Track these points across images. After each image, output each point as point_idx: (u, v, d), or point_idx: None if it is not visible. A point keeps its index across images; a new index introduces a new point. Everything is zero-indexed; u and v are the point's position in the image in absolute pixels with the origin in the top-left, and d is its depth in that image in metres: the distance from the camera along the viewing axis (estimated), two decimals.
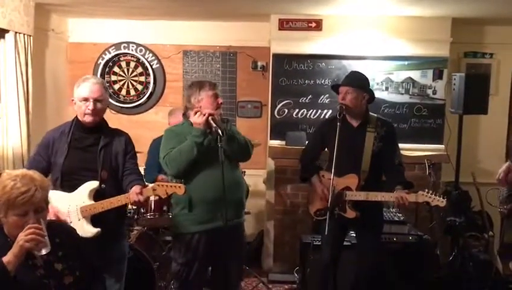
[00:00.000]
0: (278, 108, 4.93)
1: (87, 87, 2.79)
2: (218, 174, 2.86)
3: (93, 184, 2.76)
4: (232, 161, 3.07)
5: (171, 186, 2.78)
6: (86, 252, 2.21)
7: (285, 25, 4.83)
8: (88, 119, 2.80)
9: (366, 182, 3.27)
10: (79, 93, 2.80)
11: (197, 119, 2.98)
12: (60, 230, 2.15)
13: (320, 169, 3.48)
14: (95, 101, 2.78)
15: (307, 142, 4.16)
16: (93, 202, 2.75)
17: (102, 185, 2.77)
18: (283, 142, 4.87)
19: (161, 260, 3.95)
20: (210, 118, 2.94)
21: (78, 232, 2.36)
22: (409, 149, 4.74)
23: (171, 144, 3.03)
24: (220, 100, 3.07)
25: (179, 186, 2.78)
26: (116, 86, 5.42)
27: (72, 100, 2.85)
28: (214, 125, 2.91)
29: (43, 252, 1.94)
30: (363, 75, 3.46)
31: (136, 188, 2.75)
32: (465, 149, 4.34)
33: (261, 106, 5.34)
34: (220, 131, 2.87)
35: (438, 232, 4.53)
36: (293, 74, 4.89)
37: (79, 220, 2.73)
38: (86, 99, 2.77)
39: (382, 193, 3.25)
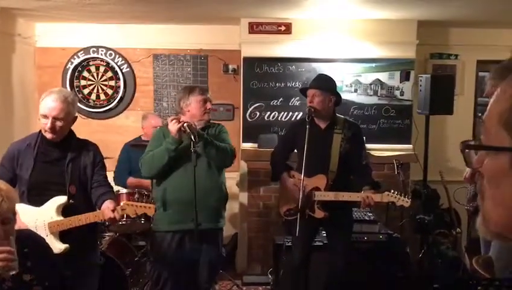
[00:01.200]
0: (249, 111, 4.96)
1: (47, 104, 2.68)
2: (192, 177, 2.92)
3: (61, 199, 2.70)
4: (212, 166, 3.12)
5: (140, 206, 2.76)
6: (55, 262, 2.19)
7: (255, 28, 4.86)
8: (48, 136, 2.71)
9: (334, 182, 3.33)
10: (40, 108, 2.70)
11: (171, 126, 3.03)
12: (28, 240, 2.11)
13: (291, 169, 3.53)
14: (54, 119, 2.67)
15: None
16: (61, 217, 2.69)
17: (71, 201, 2.72)
18: (255, 145, 4.90)
19: (134, 266, 3.92)
20: (185, 124, 2.99)
21: None
22: (378, 149, 4.84)
23: (152, 146, 3.15)
24: (209, 106, 3.17)
25: (149, 207, 2.76)
26: (86, 91, 5.35)
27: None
28: (188, 131, 2.97)
29: (11, 273, 1.91)
30: (330, 78, 3.53)
31: (109, 205, 2.69)
32: (432, 148, 4.44)
33: (233, 109, 5.35)
34: (192, 136, 2.93)
35: (408, 231, 4.64)
36: (263, 76, 4.93)
37: (47, 235, 2.65)
38: (44, 117, 2.68)
39: (349, 193, 3.31)
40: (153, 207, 2.77)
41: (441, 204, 4.94)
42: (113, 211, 2.65)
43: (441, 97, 4.23)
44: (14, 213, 2.02)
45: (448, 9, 4.36)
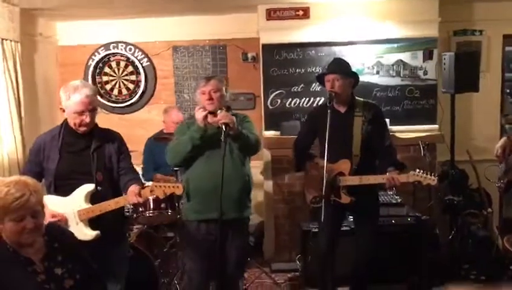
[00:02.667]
0: (270, 98, 4.93)
1: (81, 100, 2.72)
2: (217, 166, 2.91)
3: (89, 187, 2.76)
4: (234, 156, 3.07)
5: (169, 186, 2.77)
6: (85, 255, 2.23)
7: (272, 14, 4.81)
8: (82, 130, 2.78)
9: (359, 166, 3.29)
10: (72, 106, 2.73)
11: (197, 115, 3.04)
12: (58, 234, 2.17)
13: (314, 156, 3.50)
14: (90, 112, 2.76)
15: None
16: (90, 205, 2.75)
17: (99, 188, 2.77)
18: (278, 133, 4.88)
19: (163, 256, 3.98)
20: (219, 111, 2.98)
21: (76, 235, 2.37)
22: (403, 131, 4.77)
23: (177, 135, 3.16)
24: (207, 97, 3.06)
25: (177, 186, 2.78)
26: (108, 86, 5.41)
27: (61, 108, 2.81)
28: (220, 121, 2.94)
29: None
30: (345, 61, 3.50)
31: (134, 189, 2.76)
32: (459, 128, 4.36)
33: (254, 98, 5.34)
34: (224, 127, 2.89)
35: (437, 212, 4.57)
36: (283, 63, 4.89)
37: (77, 224, 2.74)
38: (81, 113, 2.74)
39: (374, 175, 3.26)
40: (181, 186, 2.77)
41: (470, 184, 4.84)
42: (138, 195, 2.72)
43: (465, 75, 4.13)
44: (43, 206, 2.09)
45: None
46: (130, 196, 2.74)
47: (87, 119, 2.75)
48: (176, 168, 3.82)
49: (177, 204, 3.79)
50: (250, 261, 4.44)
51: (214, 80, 3.12)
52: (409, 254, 4.01)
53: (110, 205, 2.75)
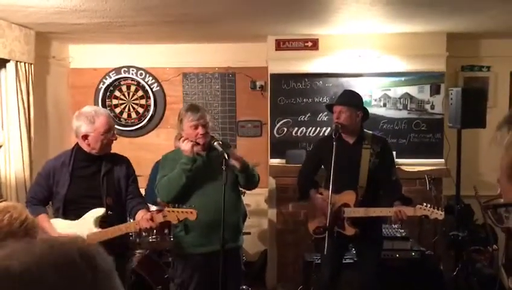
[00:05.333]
0: (277, 127, 4.97)
1: (107, 120, 2.85)
2: (216, 197, 2.90)
3: (99, 211, 2.79)
4: (232, 185, 3.07)
5: (182, 211, 2.77)
6: None
7: (281, 45, 4.89)
8: (108, 149, 2.89)
9: (364, 197, 3.28)
10: (100, 127, 2.81)
11: (184, 146, 2.97)
12: None
13: (319, 186, 3.50)
14: (114, 128, 2.90)
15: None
16: (99, 229, 2.77)
17: (109, 212, 2.80)
18: (283, 161, 4.90)
19: (163, 282, 3.95)
20: (215, 143, 2.96)
21: None
22: (409, 164, 4.76)
23: (164, 172, 3.07)
24: (201, 131, 2.96)
25: (191, 212, 2.76)
26: (118, 110, 5.48)
27: (84, 136, 2.81)
28: (220, 149, 2.92)
29: None
30: (357, 93, 3.51)
31: (145, 215, 2.78)
32: (465, 163, 4.34)
33: (260, 125, 5.38)
34: (225, 155, 2.88)
35: (441, 248, 4.51)
36: (291, 92, 4.93)
37: None
38: (108, 131, 2.84)
39: (380, 208, 3.25)
40: (194, 212, 2.76)
41: (476, 220, 4.80)
42: (149, 220, 2.74)
43: (472, 110, 4.13)
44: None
45: (478, 21, 4.29)
46: (142, 221, 2.75)
47: (114, 137, 2.88)
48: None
49: (170, 234, 3.75)
50: None
51: (202, 112, 3.00)
52: (413, 288, 3.95)
53: (121, 229, 2.78)
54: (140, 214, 2.83)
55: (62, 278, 0.70)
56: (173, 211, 2.77)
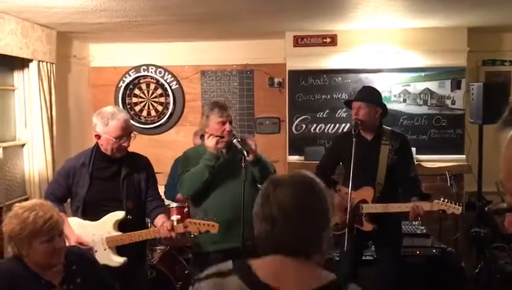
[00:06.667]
0: (295, 123, 4.96)
1: (121, 125, 2.73)
2: (235, 194, 2.91)
3: (119, 215, 2.76)
4: (251, 182, 3.07)
5: (204, 224, 2.74)
6: (106, 276, 2.26)
7: (300, 41, 4.88)
8: (119, 155, 2.78)
9: (382, 194, 3.26)
10: (111, 132, 2.73)
11: (209, 142, 3.01)
12: (77, 257, 2.19)
13: (336, 183, 3.49)
14: (128, 136, 2.77)
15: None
16: (118, 232, 2.76)
17: (129, 216, 2.78)
18: (302, 158, 4.89)
19: (184, 278, 3.98)
20: (235, 140, 2.97)
21: (103, 261, 2.40)
22: (429, 160, 4.71)
23: (184, 167, 3.09)
24: (228, 127, 3.00)
25: (212, 225, 2.73)
26: (137, 108, 5.54)
27: (97, 135, 2.78)
28: (240, 146, 2.94)
29: None
30: (376, 89, 3.48)
31: (166, 223, 2.75)
32: (487, 158, 4.27)
33: (279, 122, 5.38)
34: (244, 152, 2.90)
35: (463, 245, 4.46)
36: (309, 89, 4.92)
37: (104, 249, 2.75)
38: (120, 138, 2.74)
39: (398, 203, 3.23)
40: (216, 225, 2.72)
41: None
42: (171, 229, 2.71)
43: (494, 105, 4.06)
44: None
45: (499, 14, 4.21)
46: (163, 230, 2.73)
47: (126, 144, 2.77)
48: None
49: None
50: None
51: (228, 110, 3.07)
52: (433, 287, 3.91)
53: (142, 235, 2.76)
54: (161, 220, 2.79)
55: None
56: (195, 223, 2.74)
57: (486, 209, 4.02)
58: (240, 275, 1.27)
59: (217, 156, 3.00)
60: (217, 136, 2.99)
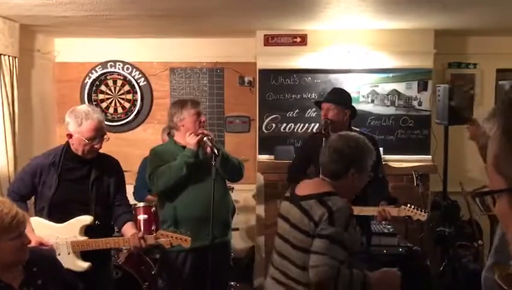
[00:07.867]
0: (265, 123, 4.95)
1: (93, 126, 2.65)
2: (205, 192, 2.91)
3: (87, 219, 2.68)
4: (219, 180, 3.08)
5: (176, 237, 2.67)
6: (68, 277, 2.19)
7: (270, 40, 4.87)
8: (90, 156, 2.70)
9: None
10: (84, 132, 2.64)
11: (190, 140, 3.00)
12: (38, 258, 2.12)
13: None
14: (101, 138, 2.70)
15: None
16: (84, 237, 2.68)
17: (97, 222, 2.70)
18: (272, 157, 4.88)
19: (150, 279, 3.91)
20: (206, 138, 2.98)
21: (67, 265, 2.34)
22: (396, 160, 4.78)
23: (156, 163, 3.06)
24: (203, 118, 3.09)
25: (185, 239, 2.67)
26: (104, 104, 5.41)
27: (69, 134, 2.70)
28: (210, 144, 2.95)
29: None
30: (345, 91, 3.52)
31: (137, 233, 2.69)
32: (452, 159, 4.36)
33: (249, 121, 5.35)
34: (215, 150, 2.91)
35: (428, 243, 4.55)
36: (279, 88, 4.92)
37: (68, 253, 2.67)
38: (93, 138, 2.66)
39: (366, 207, 3.26)
40: (189, 240, 2.65)
41: (462, 215, 4.84)
42: (140, 239, 2.64)
43: (459, 107, 4.16)
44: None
45: (466, 18, 4.31)
46: (133, 240, 2.65)
47: (98, 146, 2.69)
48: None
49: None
50: (238, 286, 4.39)
51: (199, 105, 3.16)
52: (400, 284, 3.96)
53: (109, 243, 2.69)
54: (129, 230, 2.72)
55: None
56: (167, 235, 2.68)
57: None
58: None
59: (196, 153, 3.00)
60: (196, 134, 2.99)
